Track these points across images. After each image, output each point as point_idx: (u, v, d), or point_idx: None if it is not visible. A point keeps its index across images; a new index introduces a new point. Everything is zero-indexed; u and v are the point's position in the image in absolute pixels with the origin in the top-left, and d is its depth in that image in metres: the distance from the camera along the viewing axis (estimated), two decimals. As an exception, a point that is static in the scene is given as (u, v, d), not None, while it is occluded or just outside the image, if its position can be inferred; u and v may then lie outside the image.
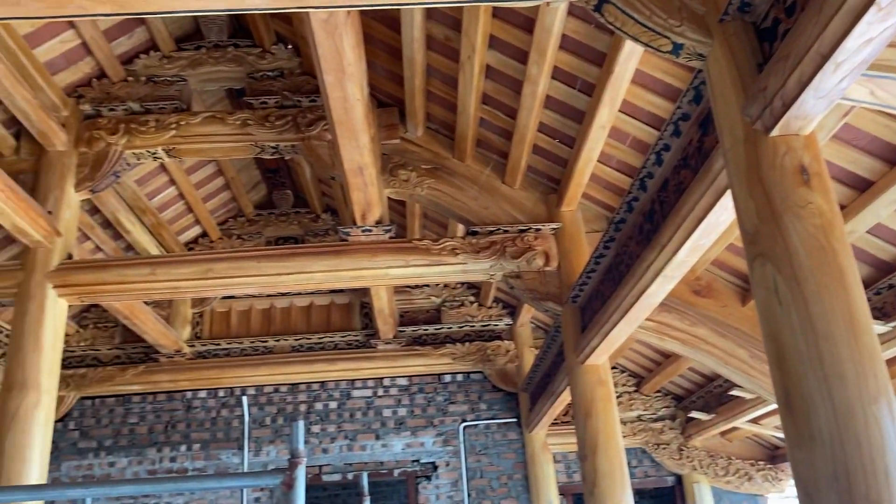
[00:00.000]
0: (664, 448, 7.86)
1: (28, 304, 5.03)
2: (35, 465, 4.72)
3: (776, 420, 6.67)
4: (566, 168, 4.98)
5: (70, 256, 5.29)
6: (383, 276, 5.31)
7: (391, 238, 5.43)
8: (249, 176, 8.12)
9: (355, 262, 5.25)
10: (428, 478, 7.65)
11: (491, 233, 5.25)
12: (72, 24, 5.14)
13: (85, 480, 7.57)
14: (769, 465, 7.79)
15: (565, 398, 5.91)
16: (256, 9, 2.82)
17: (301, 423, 2.70)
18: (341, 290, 8.24)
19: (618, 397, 7.24)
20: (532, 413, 7.35)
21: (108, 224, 6.97)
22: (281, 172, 8.05)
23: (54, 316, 5.08)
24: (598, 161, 4.71)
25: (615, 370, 7.92)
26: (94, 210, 6.67)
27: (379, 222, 5.40)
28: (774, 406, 5.93)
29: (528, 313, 7.79)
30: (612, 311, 4.03)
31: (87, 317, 8.14)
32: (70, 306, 5.40)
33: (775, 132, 2.17)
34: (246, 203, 8.30)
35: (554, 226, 5.22)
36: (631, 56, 3.68)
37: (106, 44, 5.45)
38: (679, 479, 7.86)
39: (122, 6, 2.69)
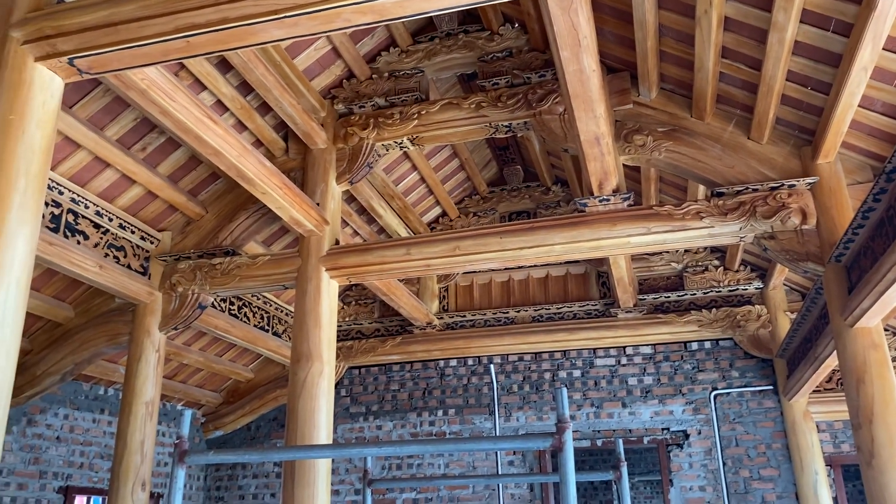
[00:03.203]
0: (951, 418, 7.02)
1: (307, 285, 5.70)
2: (323, 427, 5.34)
3: None
4: (821, 117, 4.61)
5: (337, 242, 5.90)
6: (624, 244, 5.26)
7: (630, 206, 5.38)
8: (481, 155, 8.44)
9: (594, 232, 5.28)
10: (679, 445, 7.52)
11: (739, 192, 5.00)
12: (323, 32, 5.69)
13: (358, 441, 8.46)
14: None
15: (830, 364, 5.51)
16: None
17: (564, 391, 2.83)
18: (576, 261, 8.30)
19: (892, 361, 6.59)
20: (790, 380, 6.93)
21: (362, 210, 7.67)
22: (510, 149, 8.27)
23: (328, 295, 5.70)
24: (860, 106, 4.31)
25: (886, 332, 7.18)
26: (350, 199, 7.36)
27: (616, 191, 5.37)
28: None
29: (780, 275, 7.30)
30: (887, 270, 3.70)
31: (350, 294, 9.02)
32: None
33: None
34: (479, 181, 8.64)
35: (810, 180, 4.85)
36: (898, -14, 3.32)
37: (353, 46, 5.96)
38: (972, 452, 6.99)
39: (381, 14, 2.98)
